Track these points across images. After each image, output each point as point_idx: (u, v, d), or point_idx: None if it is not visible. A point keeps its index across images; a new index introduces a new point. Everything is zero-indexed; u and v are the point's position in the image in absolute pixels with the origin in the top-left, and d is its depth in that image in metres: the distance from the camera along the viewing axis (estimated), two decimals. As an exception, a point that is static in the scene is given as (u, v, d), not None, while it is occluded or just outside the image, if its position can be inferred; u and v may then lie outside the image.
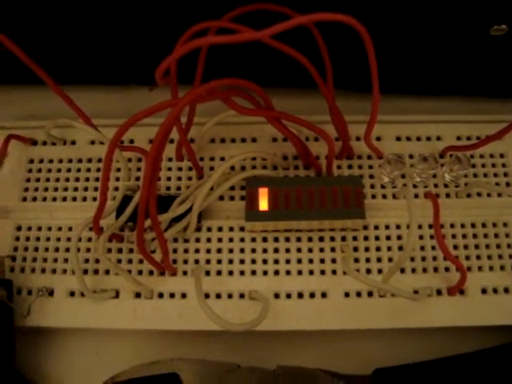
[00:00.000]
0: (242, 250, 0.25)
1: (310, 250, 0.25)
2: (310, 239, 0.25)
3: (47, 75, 0.24)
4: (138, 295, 0.24)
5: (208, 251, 0.25)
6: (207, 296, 0.24)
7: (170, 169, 0.27)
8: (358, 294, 0.24)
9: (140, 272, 0.25)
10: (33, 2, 0.26)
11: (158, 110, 0.19)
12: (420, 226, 0.25)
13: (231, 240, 0.25)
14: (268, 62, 0.26)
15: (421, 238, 0.25)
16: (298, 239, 0.25)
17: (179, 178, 0.27)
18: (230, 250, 0.25)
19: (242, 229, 0.25)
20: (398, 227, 0.25)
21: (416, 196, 0.26)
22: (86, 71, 0.30)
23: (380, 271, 0.24)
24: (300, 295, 0.24)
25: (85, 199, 0.27)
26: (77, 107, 0.25)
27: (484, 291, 0.24)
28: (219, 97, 0.22)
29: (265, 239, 0.25)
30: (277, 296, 0.24)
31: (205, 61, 0.24)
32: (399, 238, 0.25)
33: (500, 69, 0.27)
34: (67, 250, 0.26)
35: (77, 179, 0.27)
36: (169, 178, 0.27)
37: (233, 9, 0.22)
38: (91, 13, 0.26)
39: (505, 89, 0.29)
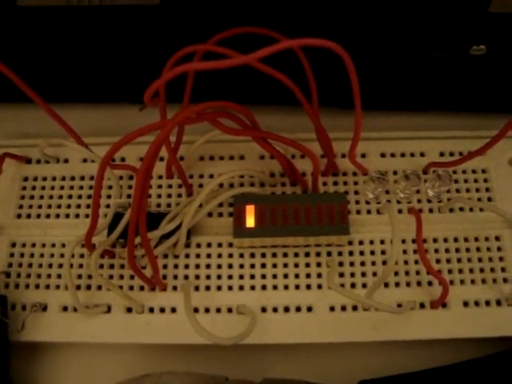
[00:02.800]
0: (231, 266, 0.26)
1: (297, 265, 0.26)
2: (296, 254, 0.26)
3: (37, 95, 0.24)
4: (129, 310, 0.25)
5: (197, 267, 0.26)
6: (196, 310, 0.25)
7: (160, 186, 0.28)
8: (343, 308, 0.25)
9: (131, 287, 0.26)
10: (24, 22, 0.27)
11: (147, 131, 0.20)
12: (404, 241, 0.26)
13: (220, 256, 0.26)
14: (254, 80, 0.27)
15: (404, 252, 0.26)
16: (285, 254, 0.26)
17: (169, 195, 0.27)
18: (219, 266, 0.26)
19: (230, 245, 0.26)
20: (382, 242, 0.26)
21: (400, 211, 0.26)
22: (78, 89, 0.31)
23: (364, 285, 0.25)
24: (286, 309, 0.25)
25: (77, 216, 0.27)
26: (68, 126, 0.26)
27: (466, 304, 0.25)
28: (206, 119, 0.23)
29: (252, 255, 0.26)
30: (264, 310, 0.25)
31: (193, 82, 0.25)
32: (383, 252, 0.26)
33: (480, 86, 0.28)
34: (60, 266, 0.26)
35: (70, 197, 0.28)
36: (159, 195, 0.27)
37: (220, 32, 0.23)
38: (83, 32, 0.27)
39: (485, 105, 0.30)
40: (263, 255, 0.26)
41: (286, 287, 0.25)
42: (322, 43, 0.17)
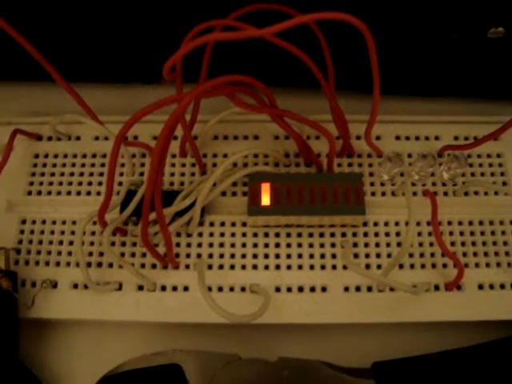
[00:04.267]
0: (244, 245, 0.25)
1: (311, 245, 0.25)
2: (310, 235, 0.26)
3: (57, 72, 0.24)
4: (140, 288, 0.25)
5: (210, 245, 0.26)
6: (209, 289, 0.24)
7: (173, 165, 0.27)
8: (358, 289, 0.25)
9: (143, 265, 0.25)
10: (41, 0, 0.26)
11: (165, 104, 0.19)
12: (418, 223, 0.26)
13: (233, 235, 0.26)
14: (271, 61, 0.27)
15: (419, 234, 0.26)
16: (299, 234, 0.26)
17: (182, 174, 0.27)
18: (232, 245, 0.25)
19: (244, 224, 0.26)
20: (396, 224, 0.26)
21: (414, 194, 0.26)
22: (92, 69, 0.31)
23: (379, 267, 0.25)
24: (300, 289, 0.25)
25: (89, 193, 0.27)
26: (84, 103, 0.26)
27: (481, 287, 0.25)
28: (224, 92, 0.23)
29: (266, 234, 0.26)
30: (278, 290, 0.25)
31: (210, 58, 0.24)
32: (398, 234, 0.26)
33: (497, 71, 0.28)
34: (71, 243, 0.26)
35: (81, 174, 0.27)
36: (172, 174, 0.27)
37: (237, 8, 0.23)
38: (99, 12, 0.27)
39: (502, 90, 0.29)
40: (277, 235, 0.26)
41: (300, 267, 0.25)
42: (339, 16, 0.16)
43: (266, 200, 0.24)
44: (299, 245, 0.25)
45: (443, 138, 0.28)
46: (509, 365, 0.23)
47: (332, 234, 0.26)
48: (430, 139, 0.28)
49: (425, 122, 0.28)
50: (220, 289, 0.25)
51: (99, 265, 0.25)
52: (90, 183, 0.27)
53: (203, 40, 0.17)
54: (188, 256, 0.25)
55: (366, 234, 0.26)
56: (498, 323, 0.24)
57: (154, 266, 0.25)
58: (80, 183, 0.27)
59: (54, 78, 0.24)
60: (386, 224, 0.26)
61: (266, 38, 0.20)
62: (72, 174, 0.27)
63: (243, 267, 0.25)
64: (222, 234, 0.26)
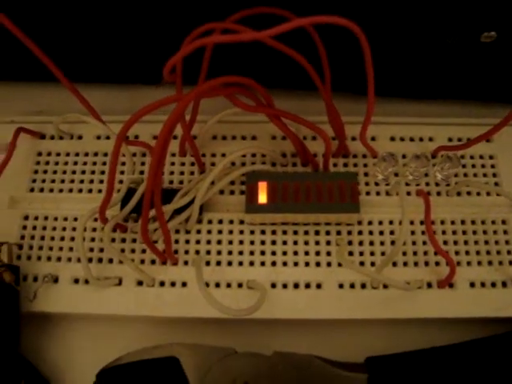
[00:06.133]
0: (241, 242, 0.26)
1: (306, 243, 0.26)
2: (306, 232, 0.26)
3: (62, 73, 0.25)
4: (140, 283, 0.25)
5: (208, 242, 0.26)
6: (207, 285, 0.25)
7: (173, 163, 0.28)
8: (352, 286, 0.25)
9: (142, 261, 0.26)
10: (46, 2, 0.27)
11: (165, 103, 0.20)
12: (412, 222, 0.26)
13: (231, 232, 0.26)
14: (268, 63, 0.28)
15: (412, 233, 0.26)
16: (295, 232, 0.26)
17: (182, 173, 0.28)
18: (230, 242, 0.26)
19: (241, 222, 0.26)
20: (390, 223, 0.26)
21: (408, 193, 0.27)
22: (94, 70, 0.31)
23: (373, 264, 0.25)
24: (296, 285, 0.25)
25: (90, 191, 0.28)
26: (87, 103, 0.26)
27: (472, 285, 0.25)
28: (223, 93, 0.23)
29: (263, 232, 0.26)
30: (273, 286, 0.25)
31: (209, 60, 0.25)
32: (392, 233, 0.26)
33: (490, 74, 0.29)
34: (72, 239, 0.27)
35: (83, 172, 0.28)
36: (172, 173, 0.28)
37: (236, 11, 0.24)
38: (101, 14, 0.27)
39: (494, 93, 0.30)
40: (274, 232, 0.26)
41: (296, 264, 0.26)
42: (336, 20, 0.17)
43: (263, 198, 0.25)
44: (295, 242, 0.26)
45: (437, 139, 0.28)
46: (500, 361, 0.24)
47: (327, 232, 0.26)
48: (424, 140, 0.28)
49: (419, 123, 0.29)
50: (217, 285, 0.25)
51: (100, 260, 0.26)
52: (91, 181, 0.28)
53: (202, 42, 0.18)
54: (186, 252, 0.26)
55: (360, 233, 0.26)
56: (488, 321, 0.25)
57: (153, 262, 0.26)
58: (82, 181, 0.28)
59: (58, 78, 0.25)
60: (381, 223, 0.26)
61: (263, 41, 0.21)
62: (74, 172, 0.28)
63: (240, 264, 0.26)
64: (220, 232, 0.26)
